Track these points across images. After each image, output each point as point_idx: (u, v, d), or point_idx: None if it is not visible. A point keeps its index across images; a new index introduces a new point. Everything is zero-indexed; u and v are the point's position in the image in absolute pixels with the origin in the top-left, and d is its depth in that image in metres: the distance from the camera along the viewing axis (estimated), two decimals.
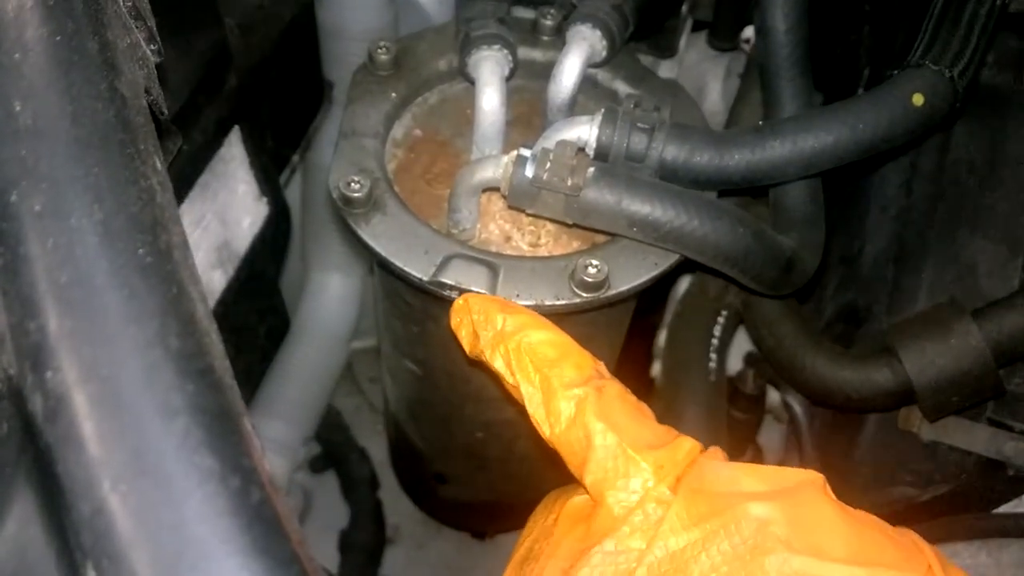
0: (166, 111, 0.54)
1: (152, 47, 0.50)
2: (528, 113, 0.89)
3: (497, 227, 0.79)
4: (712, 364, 0.97)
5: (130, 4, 0.49)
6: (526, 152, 0.69)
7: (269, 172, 0.96)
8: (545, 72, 0.83)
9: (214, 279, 0.88)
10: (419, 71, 0.88)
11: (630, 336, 0.94)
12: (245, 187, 0.90)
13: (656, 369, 1.07)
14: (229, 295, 0.91)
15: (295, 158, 1.11)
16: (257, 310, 0.99)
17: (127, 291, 0.38)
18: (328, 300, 1.36)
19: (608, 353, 0.94)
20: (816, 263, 0.79)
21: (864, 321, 0.92)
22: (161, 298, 0.39)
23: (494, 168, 0.71)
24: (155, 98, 0.51)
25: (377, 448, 1.65)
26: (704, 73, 1.27)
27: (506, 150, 0.80)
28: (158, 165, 0.44)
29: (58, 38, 0.42)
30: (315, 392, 1.48)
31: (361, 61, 0.86)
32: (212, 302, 0.88)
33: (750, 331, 0.98)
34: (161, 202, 0.42)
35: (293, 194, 1.37)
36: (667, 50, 1.04)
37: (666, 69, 1.14)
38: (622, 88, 0.87)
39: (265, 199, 0.96)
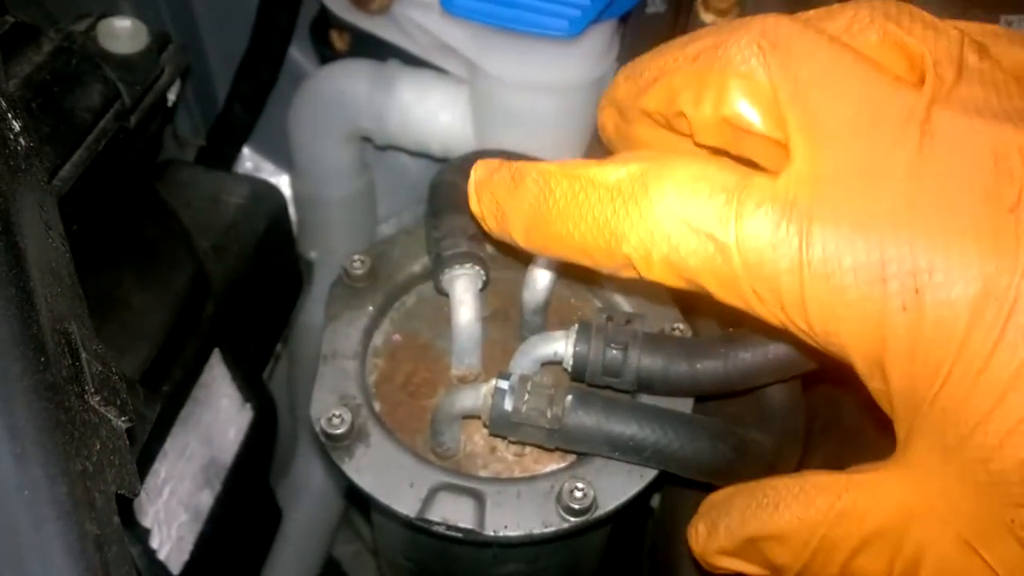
0: None
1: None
2: (505, 306, 0.90)
3: (481, 437, 0.80)
4: None
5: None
6: (504, 384, 0.70)
7: (251, 376, 0.97)
8: (518, 262, 0.84)
9: (202, 500, 0.88)
10: (395, 277, 0.89)
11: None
12: (228, 400, 0.91)
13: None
14: (218, 509, 0.90)
15: (278, 347, 1.12)
16: (248, 514, 0.98)
17: None
18: (312, 493, 1.34)
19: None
20: (798, 454, 0.79)
21: None
22: None
23: (473, 399, 0.71)
24: None
25: None
26: None
27: (487, 348, 0.82)
28: None
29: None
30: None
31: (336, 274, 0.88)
32: (201, 522, 0.88)
33: None
34: None
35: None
36: None
37: None
38: None
39: (248, 404, 0.96)
